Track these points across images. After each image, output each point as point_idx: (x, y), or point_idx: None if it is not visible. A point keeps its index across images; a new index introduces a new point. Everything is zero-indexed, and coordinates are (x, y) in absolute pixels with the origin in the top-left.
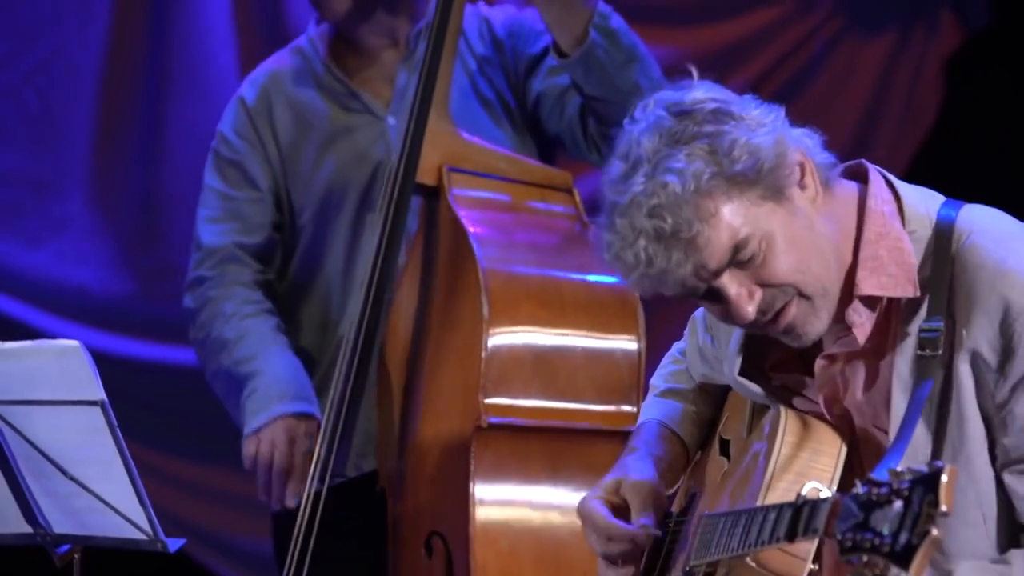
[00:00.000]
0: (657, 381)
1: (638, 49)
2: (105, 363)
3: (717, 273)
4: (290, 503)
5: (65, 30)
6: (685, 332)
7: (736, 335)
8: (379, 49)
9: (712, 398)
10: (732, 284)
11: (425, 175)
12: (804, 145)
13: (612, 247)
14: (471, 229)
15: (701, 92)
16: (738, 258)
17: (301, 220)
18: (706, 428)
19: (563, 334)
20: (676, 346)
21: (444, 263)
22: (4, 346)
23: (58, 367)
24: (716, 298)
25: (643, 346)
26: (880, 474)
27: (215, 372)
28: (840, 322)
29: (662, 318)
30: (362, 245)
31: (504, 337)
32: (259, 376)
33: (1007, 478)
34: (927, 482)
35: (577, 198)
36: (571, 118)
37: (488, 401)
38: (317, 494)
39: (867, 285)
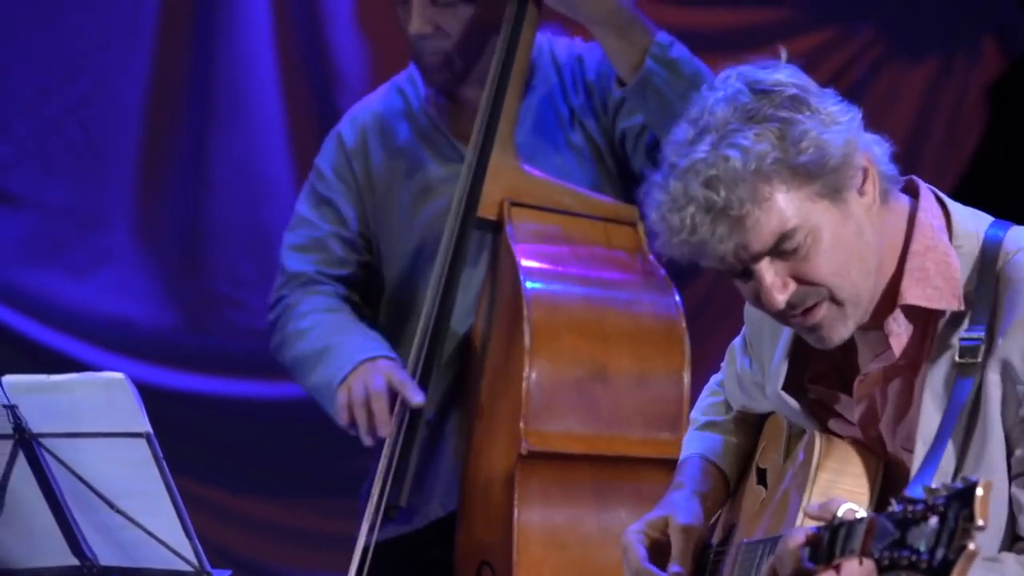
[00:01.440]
0: (696, 414)
1: (702, 76)
2: (150, 395)
3: (757, 257)
4: (415, 400)
5: (108, 62)
6: (722, 364)
7: (782, 344)
8: (478, 100)
9: (750, 427)
10: (769, 271)
11: (487, 210)
12: (872, 152)
13: (661, 207)
14: (522, 261)
15: (784, 75)
16: (781, 247)
17: (390, 269)
18: (744, 458)
19: (606, 364)
20: (714, 378)
21: (503, 296)
22: (50, 379)
23: (104, 399)
24: (750, 278)
25: (689, 376)
26: (914, 491)
27: (292, 361)
28: (878, 330)
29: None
30: (454, 298)
31: (545, 366)
32: (334, 346)
33: (1014, 490)
34: (962, 497)
35: (642, 232)
36: (647, 151)
37: (529, 429)
38: (378, 544)
39: (911, 295)
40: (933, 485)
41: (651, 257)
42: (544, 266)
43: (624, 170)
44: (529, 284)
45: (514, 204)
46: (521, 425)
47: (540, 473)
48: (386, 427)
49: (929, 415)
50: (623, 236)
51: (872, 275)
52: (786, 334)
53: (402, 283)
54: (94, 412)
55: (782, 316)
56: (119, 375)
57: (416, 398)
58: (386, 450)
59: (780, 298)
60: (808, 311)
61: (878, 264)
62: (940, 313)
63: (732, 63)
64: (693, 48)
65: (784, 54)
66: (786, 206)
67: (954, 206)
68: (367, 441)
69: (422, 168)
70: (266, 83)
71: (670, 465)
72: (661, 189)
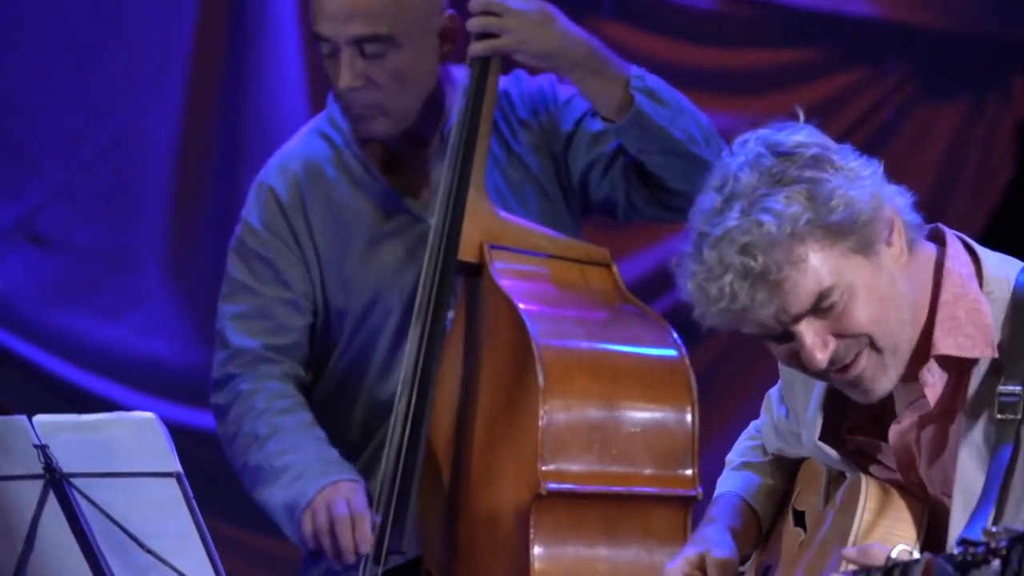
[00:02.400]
0: (733, 456)
1: (681, 101)
2: (181, 435)
3: (797, 318)
4: (361, 549)
5: (140, 105)
6: (761, 410)
7: (815, 396)
8: (412, 150)
9: (786, 471)
10: (808, 332)
11: (466, 252)
12: (896, 203)
13: (696, 277)
14: (520, 304)
15: (803, 136)
16: (820, 306)
17: (343, 324)
18: (780, 500)
19: (617, 403)
20: (753, 424)
21: (491, 338)
22: (81, 419)
23: (134, 439)
24: (789, 340)
25: (696, 412)
26: (972, 533)
27: (244, 467)
28: (913, 381)
29: (718, 388)
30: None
31: (559, 407)
32: (295, 465)
33: None
34: None
35: (615, 272)
36: (624, 179)
37: (546, 468)
38: None
39: (944, 345)
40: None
41: (631, 296)
42: (541, 307)
43: (573, 202)
44: (533, 324)
45: (493, 247)
46: (539, 466)
47: (555, 512)
48: (350, 555)
49: (968, 470)
50: (600, 278)
51: (908, 325)
52: (819, 387)
53: (354, 342)
54: (125, 452)
55: (823, 375)
56: (150, 415)
57: (363, 548)
58: (382, 499)
59: (821, 357)
60: (849, 365)
61: (912, 313)
62: (974, 361)
63: (761, 104)
64: (721, 90)
65: (801, 114)
66: (821, 266)
67: (983, 252)
68: (336, 566)
69: (365, 221)
70: (296, 124)
71: (679, 501)
72: (694, 259)
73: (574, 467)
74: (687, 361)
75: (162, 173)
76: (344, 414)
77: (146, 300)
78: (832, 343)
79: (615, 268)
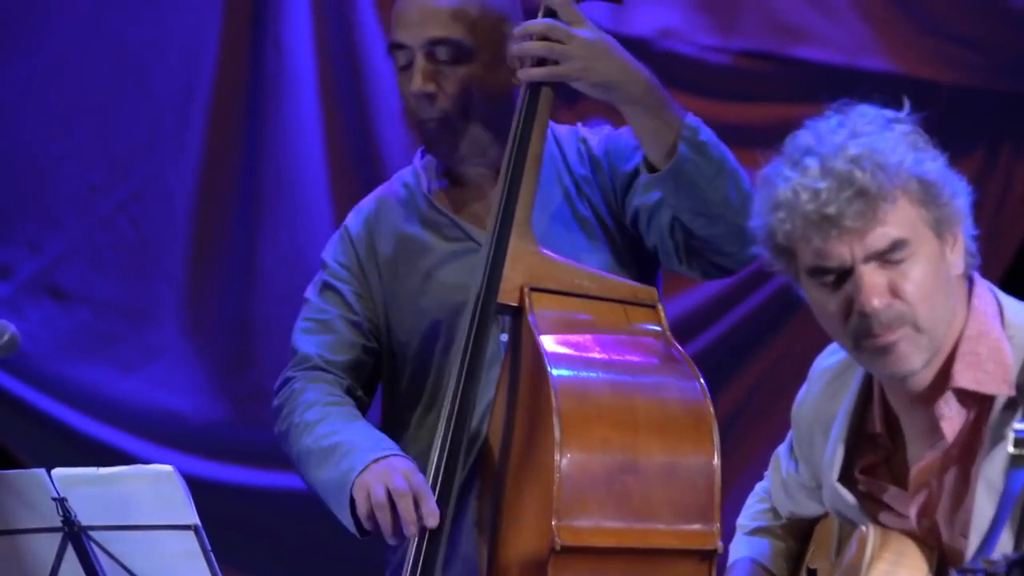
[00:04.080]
0: (744, 520)
1: (728, 162)
2: (199, 488)
3: (867, 257)
4: (429, 522)
5: (159, 159)
6: (767, 472)
7: (835, 432)
8: (482, 180)
9: (799, 532)
10: (873, 274)
11: (507, 296)
12: (967, 224)
13: (788, 182)
14: (547, 349)
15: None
16: (890, 255)
17: (402, 355)
18: (794, 561)
19: (636, 455)
20: (760, 486)
21: (525, 383)
22: (99, 471)
23: (152, 492)
24: (842, 283)
25: (719, 464)
26: (973, 563)
27: (297, 455)
28: (927, 406)
29: (753, 447)
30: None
31: (576, 459)
32: (345, 443)
33: None
34: (1022, 564)
35: (662, 314)
36: (662, 230)
37: (561, 524)
38: None
39: (962, 378)
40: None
41: (673, 340)
42: (570, 353)
43: (634, 246)
44: (556, 373)
45: (534, 290)
46: (553, 521)
47: (574, 568)
48: (413, 526)
49: (983, 506)
50: (643, 318)
51: (948, 323)
52: (838, 424)
53: (416, 366)
54: (143, 505)
55: (863, 328)
56: (168, 468)
57: (431, 521)
58: (413, 543)
59: (876, 302)
60: (888, 329)
61: (950, 321)
62: (992, 399)
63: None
64: (735, 144)
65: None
66: (905, 215)
67: (1005, 298)
68: (391, 541)
69: (427, 249)
70: (315, 178)
71: (701, 556)
72: (792, 167)
73: (590, 523)
74: (712, 409)
75: (180, 227)
76: (408, 442)
77: (164, 353)
78: (887, 296)
79: (661, 308)
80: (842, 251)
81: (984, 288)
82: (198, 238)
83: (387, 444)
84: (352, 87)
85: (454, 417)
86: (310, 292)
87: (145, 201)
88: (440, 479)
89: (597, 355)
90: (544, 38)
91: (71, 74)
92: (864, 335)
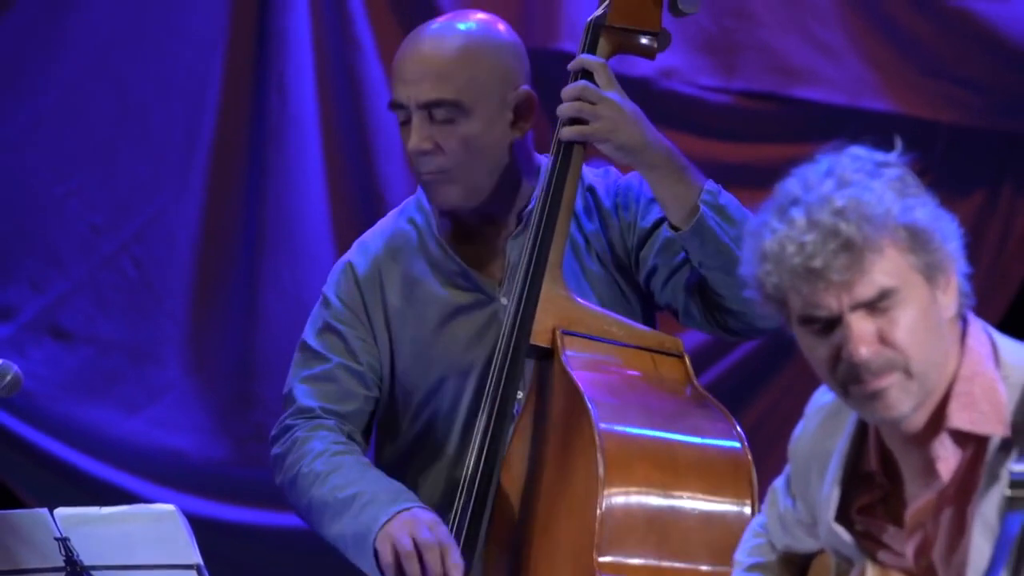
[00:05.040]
0: (741, 556)
1: (750, 221)
2: (201, 527)
3: (855, 306)
4: (454, 574)
5: (162, 199)
6: (763, 506)
7: (831, 471)
8: (485, 229)
9: (795, 567)
10: (861, 322)
11: (539, 337)
12: (960, 265)
13: (778, 233)
14: (586, 391)
15: (892, 159)
16: (879, 302)
17: (411, 400)
18: None
19: (677, 495)
20: (756, 520)
21: (558, 423)
22: (101, 511)
23: (155, 531)
24: (831, 331)
25: (757, 509)
26: None
27: (308, 506)
28: (923, 447)
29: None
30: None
31: (618, 497)
32: (363, 494)
33: None
34: None
35: (687, 363)
36: (686, 290)
37: (602, 560)
38: None
39: (957, 419)
40: None
41: (701, 387)
42: (608, 395)
43: (643, 300)
44: (597, 412)
45: (566, 333)
46: (596, 556)
47: None
48: None
49: (980, 548)
50: (671, 367)
51: (940, 367)
52: (835, 463)
53: (418, 417)
54: (145, 544)
55: (851, 376)
56: (170, 507)
57: (455, 573)
58: None
59: (864, 351)
60: (876, 379)
61: (943, 364)
62: (988, 439)
63: None
64: (736, 184)
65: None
66: (893, 265)
67: (999, 337)
68: None
69: (439, 298)
70: (317, 218)
71: None
72: (778, 219)
73: (631, 560)
74: (749, 456)
75: (183, 267)
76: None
77: (167, 393)
78: (875, 345)
79: (687, 359)
80: (830, 301)
81: (978, 328)
82: (201, 278)
83: (408, 495)
84: (354, 128)
85: (480, 469)
86: (308, 334)
87: (148, 241)
88: (465, 531)
89: (635, 398)
90: (577, 98)
91: (75, 115)
92: (852, 381)
